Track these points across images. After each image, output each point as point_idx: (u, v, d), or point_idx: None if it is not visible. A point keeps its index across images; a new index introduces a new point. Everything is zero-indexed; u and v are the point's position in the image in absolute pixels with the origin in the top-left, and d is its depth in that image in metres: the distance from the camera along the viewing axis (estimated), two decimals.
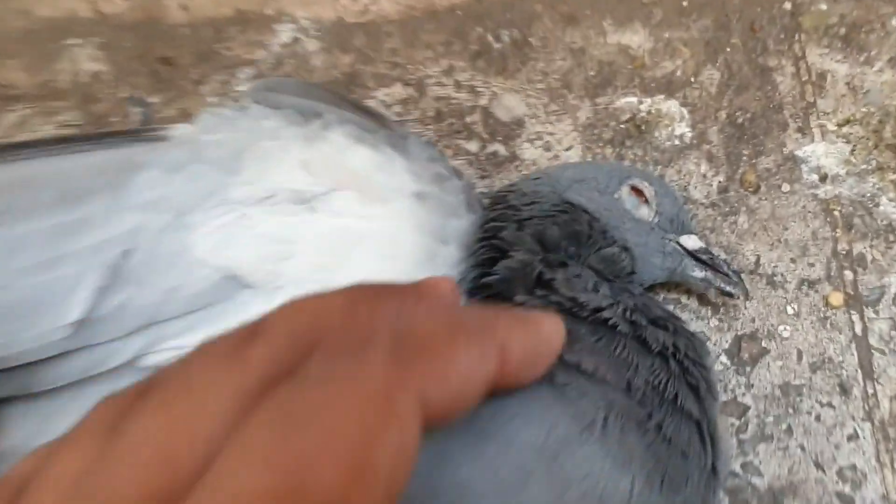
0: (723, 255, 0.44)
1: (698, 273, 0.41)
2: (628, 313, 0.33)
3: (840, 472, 0.41)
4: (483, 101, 0.51)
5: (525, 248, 0.35)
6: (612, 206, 0.39)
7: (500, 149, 0.50)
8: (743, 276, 0.44)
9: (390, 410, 0.16)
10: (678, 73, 0.51)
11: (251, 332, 0.17)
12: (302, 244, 0.34)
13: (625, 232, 0.39)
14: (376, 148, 0.37)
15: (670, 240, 0.40)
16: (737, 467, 0.41)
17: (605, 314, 0.32)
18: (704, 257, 0.40)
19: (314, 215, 0.35)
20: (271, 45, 0.53)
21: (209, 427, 0.15)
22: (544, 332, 0.22)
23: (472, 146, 0.50)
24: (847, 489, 0.41)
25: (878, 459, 0.41)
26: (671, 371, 0.32)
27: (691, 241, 0.41)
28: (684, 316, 0.44)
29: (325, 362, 0.16)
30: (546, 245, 0.36)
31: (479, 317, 0.21)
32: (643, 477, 0.29)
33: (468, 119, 0.50)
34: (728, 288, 0.41)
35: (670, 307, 0.44)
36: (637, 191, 0.40)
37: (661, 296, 0.45)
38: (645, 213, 0.40)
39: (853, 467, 0.41)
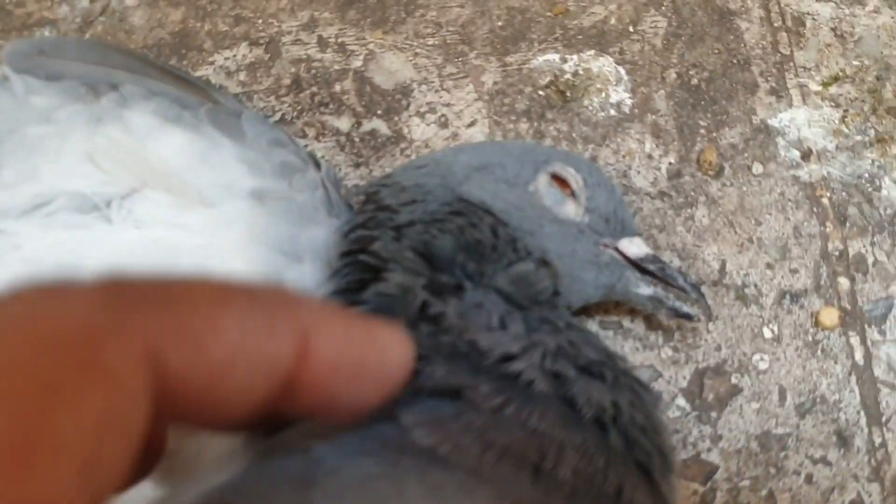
0: (676, 263, 0.39)
1: (644, 289, 0.35)
2: (549, 361, 0.26)
3: None
4: (356, 64, 0.44)
5: (403, 266, 0.29)
6: (525, 202, 0.33)
7: (380, 126, 0.43)
8: (704, 290, 0.38)
9: (90, 360, 0.13)
10: (612, 20, 0.46)
11: None
12: (91, 269, 0.28)
13: (544, 239, 0.33)
14: (196, 130, 0.34)
15: (606, 245, 0.34)
16: None
17: (515, 365, 0.25)
18: (652, 268, 0.35)
19: (108, 227, 0.32)
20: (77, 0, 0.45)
21: None
22: (378, 340, 0.19)
23: (343, 123, 0.43)
24: None
25: None
26: (611, 448, 0.25)
27: (634, 247, 0.35)
28: (627, 346, 0.39)
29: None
30: (434, 262, 0.30)
31: (278, 293, 0.18)
32: None
33: (337, 87, 0.44)
34: (685, 308, 0.35)
35: (609, 334, 0.39)
36: (560, 180, 0.34)
37: (597, 319, 0.39)
38: (571, 210, 0.34)
39: None
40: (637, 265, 0.35)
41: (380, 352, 0.19)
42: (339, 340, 0.18)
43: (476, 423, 0.22)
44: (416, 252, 0.30)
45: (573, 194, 0.34)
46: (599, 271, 0.34)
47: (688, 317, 0.36)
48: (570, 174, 0.34)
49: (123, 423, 0.14)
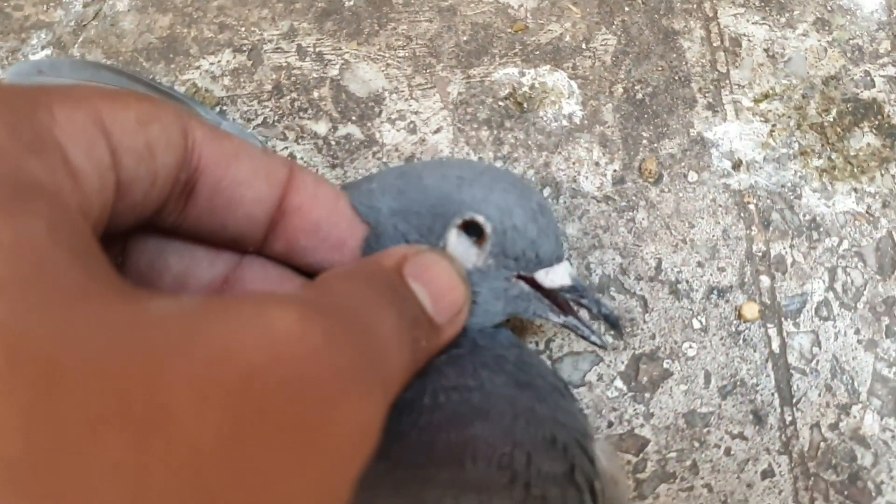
0: (618, 261, 0.40)
1: (554, 318, 0.33)
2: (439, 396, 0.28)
3: None
4: (333, 72, 0.45)
5: None
6: None
7: (354, 131, 0.43)
8: (642, 285, 0.40)
9: None
10: (567, 38, 0.46)
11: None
12: None
13: None
14: None
15: (519, 277, 0.32)
16: None
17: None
18: (568, 296, 0.32)
19: None
20: (72, 4, 0.45)
21: None
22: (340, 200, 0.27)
23: (321, 128, 0.43)
24: None
25: (795, 499, 0.38)
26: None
27: (551, 277, 0.32)
28: (573, 335, 0.38)
29: None
30: None
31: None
32: None
33: (315, 94, 0.44)
34: (592, 338, 0.33)
35: (553, 325, 0.38)
36: (470, 225, 0.31)
37: None
38: (476, 259, 0.31)
39: None
40: (550, 297, 0.32)
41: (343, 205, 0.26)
42: (313, 182, 0.24)
43: None
44: None
45: (484, 241, 0.31)
46: (507, 303, 0.32)
47: (596, 345, 0.34)
48: (480, 220, 0.31)
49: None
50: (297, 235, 0.24)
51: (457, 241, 0.30)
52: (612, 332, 0.38)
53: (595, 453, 0.31)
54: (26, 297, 0.14)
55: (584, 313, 0.35)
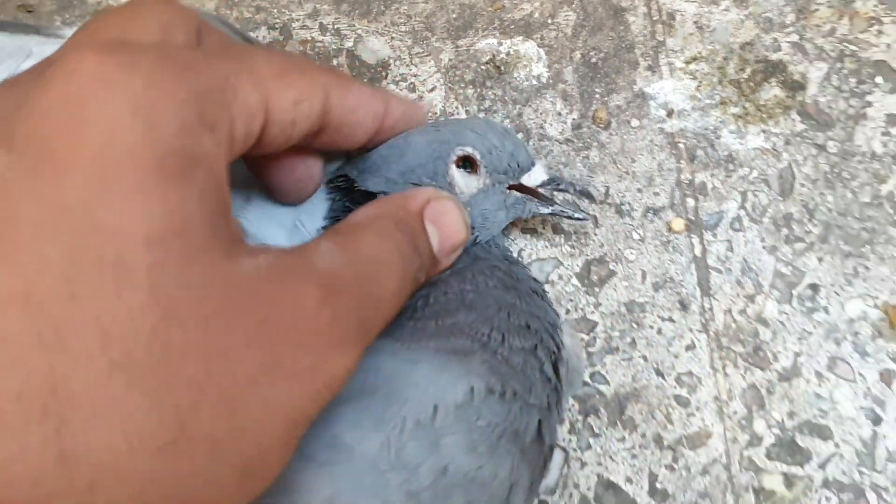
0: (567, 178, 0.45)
1: (544, 209, 0.40)
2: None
3: (678, 378, 0.45)
4: (348, 44, 0.51)
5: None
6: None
7: None
8: (595, 208, 0.47)
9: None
10: (536, 14, 0.52)
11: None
12: None
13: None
14: None
15: (511, 188, 0.39)
16: (586, 377, 0.44)
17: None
18: (549, 187, 0.40)
19: None
20: None
21: None
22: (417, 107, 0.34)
23: None
24: (684, 392, 0.44)
25: (711, 366, 0.45)
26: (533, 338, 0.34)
27: (533, 177, 0.39)
28: (540, 244, 0.47)
29: None
30: None
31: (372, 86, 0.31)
32: (483, 385, 0.30)
33: (335, 61, 0.51)
34: (576, 214, 0.41)
35: (527, 237, 0.47)
36: (464, 160, 0.36)
37: (520, 227, 0.47)
38: (476, 183, 0.37)
39: (690, 374, 0.45)
40: (536, 193, 0.39)
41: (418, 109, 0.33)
42: (399, 105, 0.31)
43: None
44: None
45: (476, 168, 0.36)
46: (508, 211, 0.38)
47: (578, 219, 0.41)
48: (470, 153, 0.36)
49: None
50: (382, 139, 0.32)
51: (458, 175, 0.36)
52: (586, 203, 0.45)
53: (563, 339, 0.36)
54: (169, 249, 0.17)
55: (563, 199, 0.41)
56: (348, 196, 0.34)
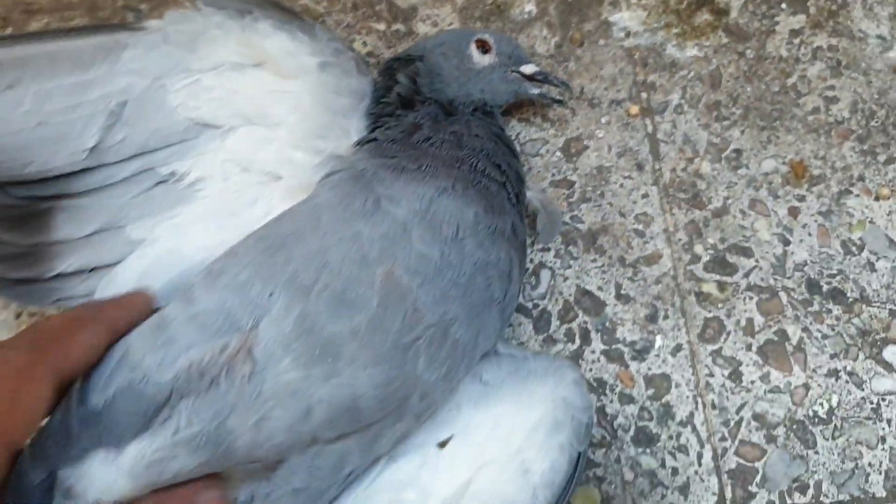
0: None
1: (534, 90, 0.55)
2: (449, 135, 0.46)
3: (636, 217, 0.60)
4: None
5: (401, 92, 0.50)
6: (464, 62, 0.52)
7: (401, 27, 0.66)
8: (572, 102, 0.62)
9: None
10: None
11: None
12: (241, 96, 0.47)
13: (477, 78, 0.52)
14: (292, 34, 0.47)
15: (512, 70, 0.53)
16: (567, 219, 0.60)
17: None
18: (539, 77, 0.55)
19: (246, 78, 0.47)
20: None
21: None
22: None
23: (381, 26, 0.66)
24: (641, 227, 0.60)
25: (661, 208, 0.60)
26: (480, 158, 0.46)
27: (529, 68, 0.54)
28: (532, 129, 0.62)
29: None
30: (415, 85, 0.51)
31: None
32: (481, 209, 0.43)
33: (377, 7, 0.67)
34: (558, 97, 0.57)
35: (523, 124, 0.62)
36: (481, 43, 0.51)
37: (517, 117, 0.62)
38: (488, 58, 0.51)
39: (645, 214, 0.60)
40: (530, 77, 0.54)
41: None
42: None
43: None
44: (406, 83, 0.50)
45: (489, 50, 0.51)
46: (509, 85, 0.53)
47: (559, 101, 0.58)
48: (486, 38, 0.52)
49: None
50: None
51: (476, 52, 0.51)
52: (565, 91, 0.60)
53: (527, 187, 0.50)
54: None
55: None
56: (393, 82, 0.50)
